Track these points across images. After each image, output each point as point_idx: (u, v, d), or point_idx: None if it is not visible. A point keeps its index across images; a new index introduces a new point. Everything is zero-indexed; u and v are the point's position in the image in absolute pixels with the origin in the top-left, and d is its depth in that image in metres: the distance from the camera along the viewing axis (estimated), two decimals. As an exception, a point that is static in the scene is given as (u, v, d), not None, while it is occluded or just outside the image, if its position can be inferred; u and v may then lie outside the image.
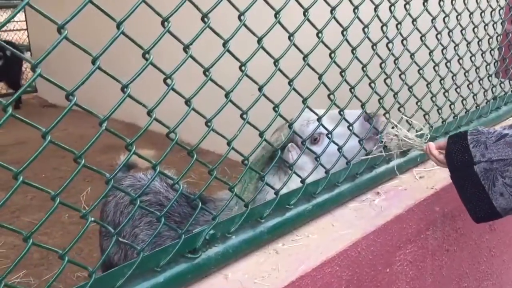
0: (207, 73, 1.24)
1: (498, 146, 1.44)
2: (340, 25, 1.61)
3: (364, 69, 1.75)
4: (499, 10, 2.52)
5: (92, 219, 1.08)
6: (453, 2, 2.13)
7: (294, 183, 1.67)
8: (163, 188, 2.45)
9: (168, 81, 1.14)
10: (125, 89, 1.07)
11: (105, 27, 1.29)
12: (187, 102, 1.21)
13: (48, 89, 8.62)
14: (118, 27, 1.02)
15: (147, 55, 1.09)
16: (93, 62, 1.00)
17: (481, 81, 2.47)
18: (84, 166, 1.04)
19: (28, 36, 9.35)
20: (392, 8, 1.81)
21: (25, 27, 9.47)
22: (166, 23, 1.11)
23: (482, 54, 2.44)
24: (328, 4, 1.55)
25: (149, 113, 1.13)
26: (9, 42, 8.95)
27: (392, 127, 1.85)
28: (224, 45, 1.27)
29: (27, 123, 0.94)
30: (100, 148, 5.69)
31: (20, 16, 9.58)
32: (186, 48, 1.17)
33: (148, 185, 1.34)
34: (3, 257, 3.90)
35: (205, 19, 1.20)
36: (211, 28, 1.21)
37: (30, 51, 9.18)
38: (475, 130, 1.51)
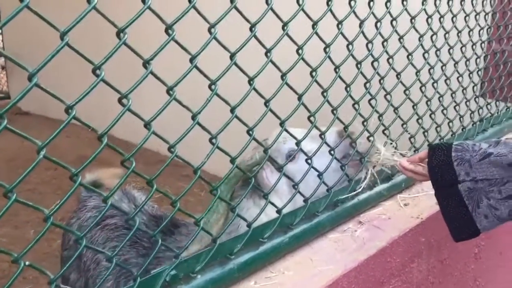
0: (213, 86, 1.18)
1: (483, 165, 1.37)
2: (323, 41, 1.47)
3: (348, 89, 1.61)
4: (487, 29, 2.42)
5: (54, 221, 0.97)
6: (441, 19, 2.02)
7: (268, 211, 1.52)
8: (130, 210, 2.28)
9: (171, 92, 1.09)
10: (123, 100, 1.01)
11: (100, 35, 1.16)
12: (194, 117, 1.15)
13: (24, 89, 8.35)
14: (118, 35, 0.96)
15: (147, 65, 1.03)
16: (94, 72, 0.95)
17: (467, 103, 2.36)
18: (81, 185, 0.99)
19: (2, 40, 9.06)
20: (378, 24, 1.68)
21: (-1, 31, 9.18)
22: (170, 31, 1.05)
23: (469, 75, 2.33)
24: (310, 19, 1.41)
25: (146, 125, 1.07)
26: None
27: (377, 151, 1.72)
28: (231, 57, 1.21)
29: (24, 137, 0.87)
30: (73, 159, 5.48)
31: (-6, 20, 9.29)
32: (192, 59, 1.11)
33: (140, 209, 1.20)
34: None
35: (212, 30, 1.14)
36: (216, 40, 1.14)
37: (4, 56, 8.88)
38: (459, 146, 1.42)
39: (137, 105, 1.03)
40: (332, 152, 1.59)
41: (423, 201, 1.95)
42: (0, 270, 3.70)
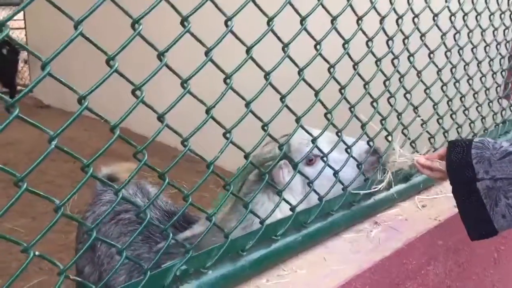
0: (228, 80, 1.17)
1: (503, 164, 1.33)
2: (342, 37, 1.44)
3: (366, 86, 1.58)
4: (512, 29, 2.36)
5: (64, 212, 0.96)
6: (465, 18, 1.97)
7: (283, 207, 1.50)
8: (145, 204, 2.28)
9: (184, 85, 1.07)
10: (137, 92, 1.00)
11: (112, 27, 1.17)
12: (208, 110, 1.14)
13: (44, 89, 8.46)
14: (133, 26, 0.96)
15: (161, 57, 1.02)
16: (107, 63, 0.94)
17: (490, 104, 2.30)
18: (92, 176, 0.99)
19: (26, 34, 9.19)
20: (400, 21, 1.64)
21: (23, 26, 9.31)
22: (185, 23, 1.04)
23: (493, 75, 2.27)
24: (329, 14, 1.38)
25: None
26: (5, 42, 8.78)
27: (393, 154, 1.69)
28: (247, 51, 1.19)
29: (35, 125, 0.89)
30: (89, 153, 5.54)
31: (19, 14, 9.43)
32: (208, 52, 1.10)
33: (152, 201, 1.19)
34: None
35: (228, 23, 1.13)
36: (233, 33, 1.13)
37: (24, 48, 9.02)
38: (480, 143, 1.38)
39: (153, 99, 1.02)
40: (360, 166, 1.58)
41: (441, 202, 1.91)
42: (17, 260, 3.75)
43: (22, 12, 9.01)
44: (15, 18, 9.89)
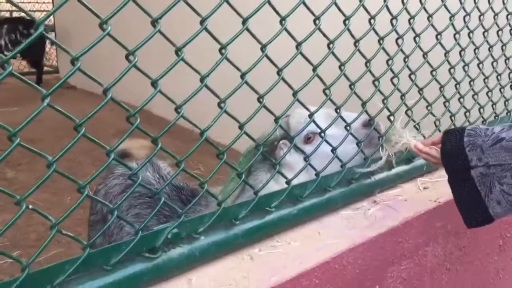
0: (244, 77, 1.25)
1: (495, 150, 1.34)
2: (342, 13, 1.45)
3: (368, 64, 1.59)
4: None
5: (88, 193, 1.05)
6: (476, 1, 1.94)
7: (282, 183, 1.53)
8: (155, 179, 2.34)
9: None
10: (155, 84, 1.08)
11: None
12: (220, 104, 1.21)
13: (70, 70, 8.64)
14: (153, 24, 1.04)
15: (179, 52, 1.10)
16: (128, 59, 1.02)
17: (502, 90, 2.27)
18: (115, 160, 1.09)
19: (53, 16, 9.36)
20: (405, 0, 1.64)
21: (51, 8, 9.48)
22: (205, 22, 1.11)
23: (505, 61, 2.24)
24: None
25: (177, 109, 1.14)
26: (34, 22, 8.95)
27: (394, 134, 1.69)
28: (262, 49, 1.27)
29: (64, 114, 0.96)
30: (113, 133, 5.65)
31: (47, -4, 9.60)
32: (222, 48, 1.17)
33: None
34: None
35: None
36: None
37: (54, 31, 9.19)
38: (472, 131, 1.39)
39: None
40: (359, 144, 1.59)
41: (444, 186, 1.89)
42: (36, 232, 3.88)
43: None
44: (44, 0, 10.06)
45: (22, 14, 9.10)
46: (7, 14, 10.97)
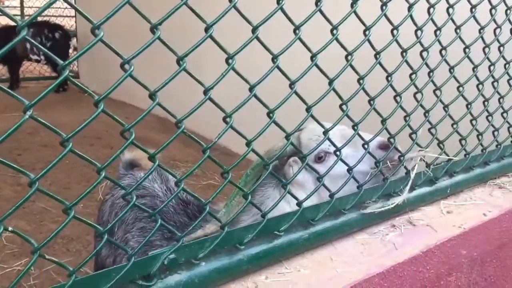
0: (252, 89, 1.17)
1: None
2: (363, 22, 1.34)
3: (389, 78, 1.47)
4: None
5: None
6: (508, 12, 1.81)
7: (293, 204, 1.42)
8: (161, 191, 2.26)
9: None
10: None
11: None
12: (226, 118, 1.13)
13: (90, 76, 8.66)
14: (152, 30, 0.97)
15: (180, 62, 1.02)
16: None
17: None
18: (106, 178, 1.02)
19: (75, 22, 9.44)
20: (431, 10, 1.52)
21: (73, 14, 9.56)
22: (209, 30, 1.04)
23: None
24: (350, -3, 1.29)
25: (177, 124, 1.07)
26: (59, 26, 9.03)
27: (419, 151, 1.57)
28: (273, 60, 1.18)
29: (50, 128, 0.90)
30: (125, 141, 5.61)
31: (71, 1, 9.67)
32: (229, 59, 1.10)
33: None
34: (10, 242, 3.80)
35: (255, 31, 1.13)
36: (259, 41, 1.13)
37: (76, 37, 9.25)
38: None
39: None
40: (378, 164, 1.48)
41: (469, 210, 1.77)
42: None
43: (73, 0, 9.26)
44: (66, 6, 10.15)
45: (45, 19, 9.20)
46: (32, 19, 11.11)
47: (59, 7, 9.92)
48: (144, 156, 2.74)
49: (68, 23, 9.76)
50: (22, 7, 10.43)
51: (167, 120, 6.74)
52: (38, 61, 9.19)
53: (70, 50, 9.41)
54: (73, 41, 9.43)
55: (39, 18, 10.05)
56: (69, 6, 10.03)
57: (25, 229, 3.96)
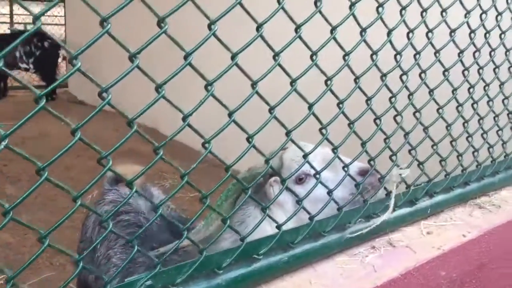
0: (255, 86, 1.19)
1: None
2: (342, 48, 1.36)
3: (369, 102, 1.49)
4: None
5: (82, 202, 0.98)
6: (487, 35, 1.84)
7: (273, 226, 1.42)
8: (146, 208, 2.25)
9: (209, 87, 1.09)
10: (159, 89, 1.02)
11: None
12: (230, 114, 1.15)
13: (79, 85, 8.64)
14: (159, 25, 0.98)
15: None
16: (131, 60, 0.96)
17: (513, 128, 2.16)
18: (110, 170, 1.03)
19: (65, 30, 9.43)
20: (410, 34, 1.54)
21: (63, 22, 9.54)
22: (212, 26, 1.05)
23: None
24: (329, 23, 1.30)
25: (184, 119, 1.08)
26: (48, 36, 9.01)
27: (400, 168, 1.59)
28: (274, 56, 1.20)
29: (60, 118, 0.92)
30: (113, 155, 5.58)
31: (60, 10, 9.68)
32: (233, 56, 1.11)
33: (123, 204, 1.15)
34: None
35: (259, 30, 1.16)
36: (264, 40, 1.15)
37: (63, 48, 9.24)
38: None
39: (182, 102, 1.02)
40: (358, 186, 1.49)
41: (449, 230, 1.78)
42: (30, 254, 3.79)
43: (63, 9, 9.26)
44: (56, 14, 10.15)
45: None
46: (21, 27, 11.10)
47: (49, 16, 9.91)
48: (129, 172, 2.74)
49: (57, 32, 9.75)
50: (11, 14, 10.41)
51: (155, 130, 6.74)
52: (27, 70, 9.16)
53: (59, 59, 9.41)
54: (63, 50, 9.43)
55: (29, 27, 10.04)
56: (59, 14, 10.06)
57: (8, 242, 3.93)
